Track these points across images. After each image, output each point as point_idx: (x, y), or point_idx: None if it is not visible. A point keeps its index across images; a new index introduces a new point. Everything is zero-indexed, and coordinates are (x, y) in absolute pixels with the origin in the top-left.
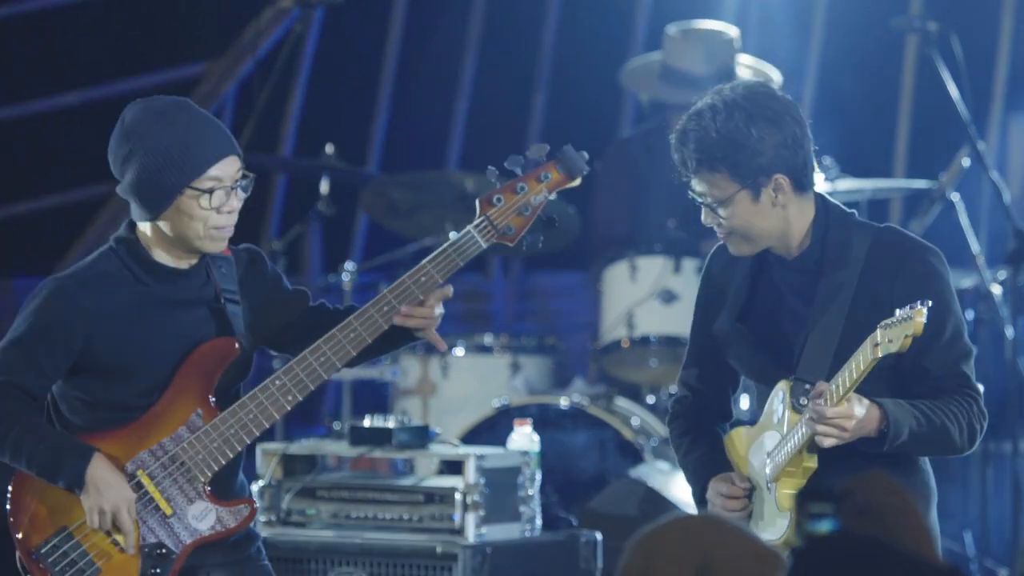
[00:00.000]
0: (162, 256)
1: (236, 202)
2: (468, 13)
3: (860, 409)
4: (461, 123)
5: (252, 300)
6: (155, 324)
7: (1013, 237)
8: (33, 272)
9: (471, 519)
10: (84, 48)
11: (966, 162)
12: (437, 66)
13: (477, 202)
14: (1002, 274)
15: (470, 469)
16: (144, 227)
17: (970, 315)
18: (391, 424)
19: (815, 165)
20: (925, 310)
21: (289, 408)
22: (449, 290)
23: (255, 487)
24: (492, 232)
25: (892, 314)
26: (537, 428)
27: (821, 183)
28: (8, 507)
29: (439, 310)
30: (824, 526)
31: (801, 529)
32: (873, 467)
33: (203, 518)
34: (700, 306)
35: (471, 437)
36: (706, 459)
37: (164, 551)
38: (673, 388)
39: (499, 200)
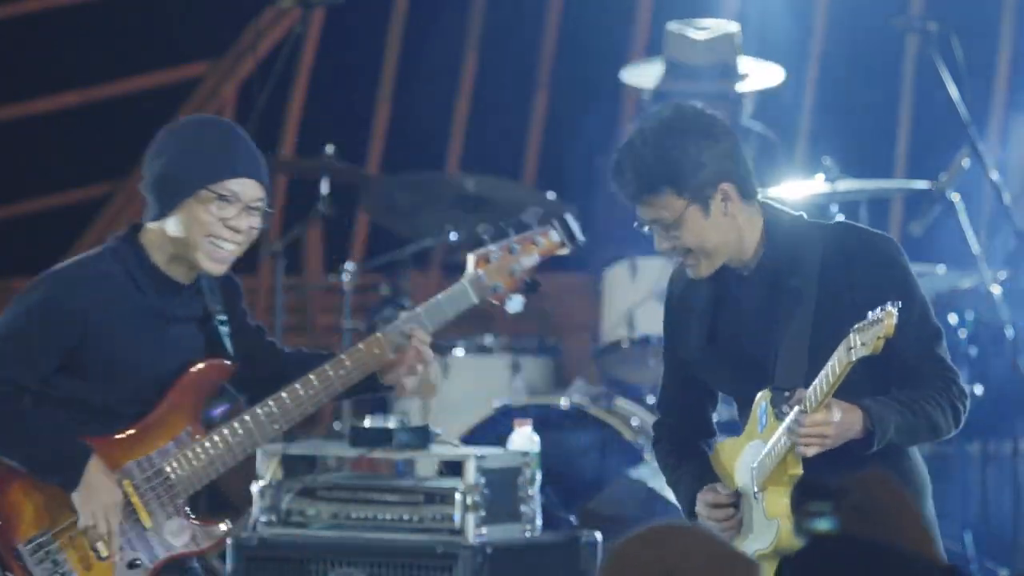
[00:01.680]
0: (163, 265)
1: (246, 223)
2: (468, 13)
3: (839, 414)
4: (461, 123)
5: (233, 329)
6: (149, 334)
7: (1013, 237)
8: (33, 272)
9: (471, 519)
10: (84, 48)
11: (966, 162)
12: (437, 66)
13: (470, 257)
14: (1002, 274)
15: (470, 469)
16: (149, 231)
17: (970, 315)
18: (391, 424)
19: (754, 174)
20: (895, 311)
21: (272, 437)
22: (428, 339)
23: (254, 487)
24: (482, 288)
25: (858, 310)
26: (537, 428)
27: (821, 183)
28: None
29: (420, 366)
30: (822, 525)
31: (800, 529)
32: (860, 461)
33: (179, 535)
34: (667, 332)
35: (471, 437)
36: (693, 475)
37: (139, 563)
38: None
39: (494, 258)
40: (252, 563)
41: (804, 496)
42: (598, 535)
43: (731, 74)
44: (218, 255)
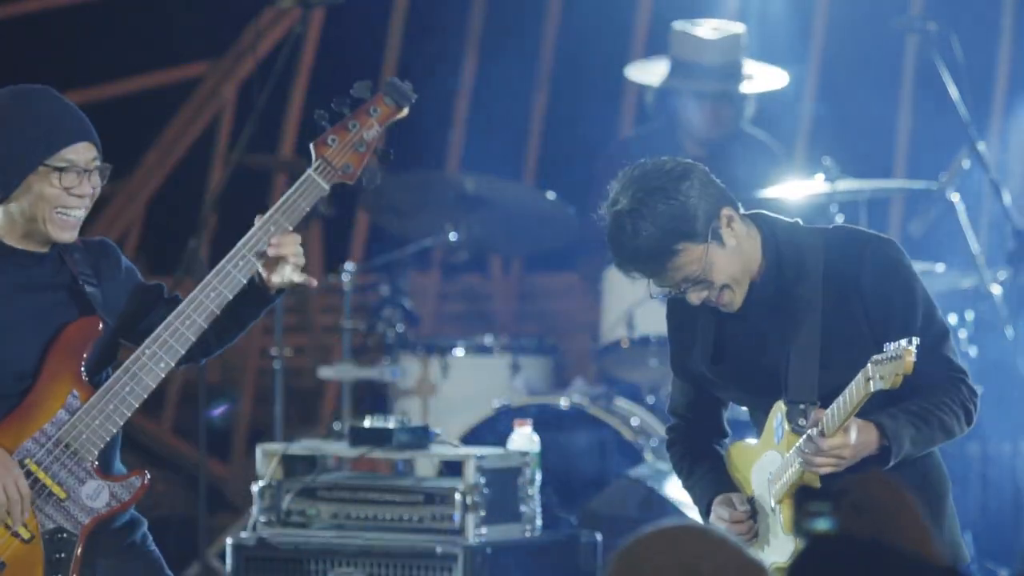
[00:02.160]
0: (15, 241)
1: (88, 187)
2: (468, 13)
3: (855, 435)
4: (461, 123)
5: (107, 289)
6: (14, 309)
7: (1013, 237)
8: None
9: (471, 519)
10: (84, 48)
11: (966, 162)
12: (437, 66)
13: (312, 146)
14: (1002, 274)
15: (470, 470)
16: None
17: (970, 315)
18: (391, 424)
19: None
20: (914, 349)
21: (163, 375)
22: (297, 236)
23: (254, 487)
24: (331, 172)
25: (867, 316)
26: (537, 428)
27: (821, 183)
28: None
29: (297, 247)
30: (822, 525)
31: (800, 528)
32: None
33: (97, 496)
34: (672, 342)
35: (471, 437)
36: (708, 479)
37: (64, 535)
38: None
39: (333, 141)
40: (252, 563)
41: (803, 496)
42: (598, 535)
43: (737, 74)
44: (67, 223)
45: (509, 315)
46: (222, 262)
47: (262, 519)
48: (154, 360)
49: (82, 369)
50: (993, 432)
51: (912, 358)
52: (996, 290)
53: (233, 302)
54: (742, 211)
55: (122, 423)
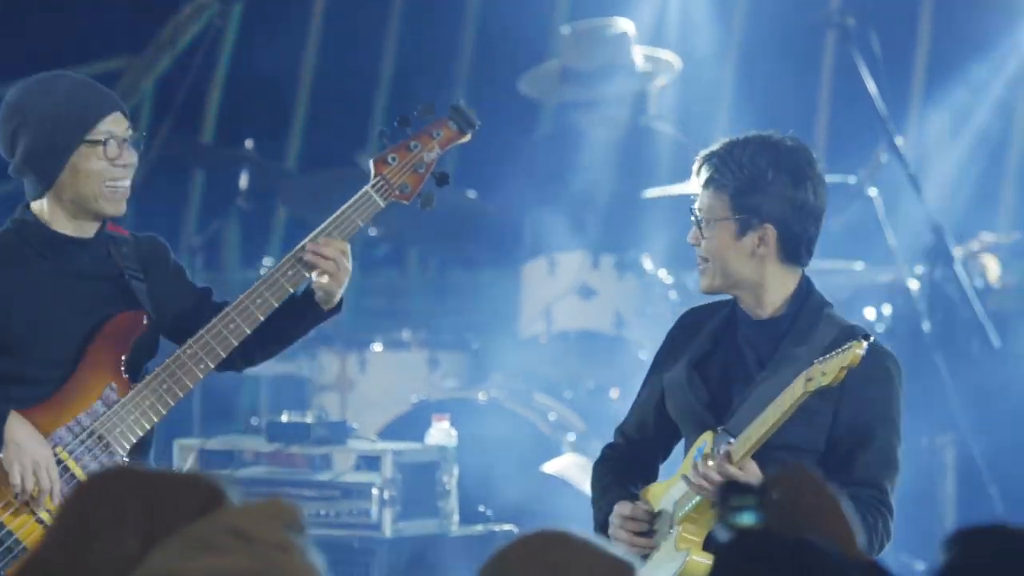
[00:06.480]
0: (62, 226)
1: (130, 156)
2: (386, 10)
3: (755, 470)
4: (379, 117)
5: (154, 285)
6: (58, 296)
7: (930, 232)
8: None
9: (388, 514)
10: (1, 42)
11: (884, 158)
12: (355, 60)
13: (371, 162)
14: (919, 269)
15: (387, 464)
16: (39, 205)
17: (887, 309)
18: (309, 419)
19: (812, 248)
20: (866, 344)
21: (202, 376)
22: (343, 244)
23: None
24: (389, 190)
25: (834, 406)
26: (455, 423)
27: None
28: None
29: (335, 253)
30: (746, 520)
31: (724, 524)
32: None
33: None
34: (659, 357)
35: (389, 432)
36: (619, 496)
37: None
38: (590, 383)
39: (393, 159)
40: None
41: (727, 492)
42: (515, 529)
43: (624, 73)
44: (118, 195)
45: (427, 311)
46: (271, 270)
47: None
48: (194, 360)
49: (122, 363)
50: (911, 426)
51: (861, 351)
52: (913, 285)
53: (282, 313)
54: (805, 266)
55: (157, 420)
